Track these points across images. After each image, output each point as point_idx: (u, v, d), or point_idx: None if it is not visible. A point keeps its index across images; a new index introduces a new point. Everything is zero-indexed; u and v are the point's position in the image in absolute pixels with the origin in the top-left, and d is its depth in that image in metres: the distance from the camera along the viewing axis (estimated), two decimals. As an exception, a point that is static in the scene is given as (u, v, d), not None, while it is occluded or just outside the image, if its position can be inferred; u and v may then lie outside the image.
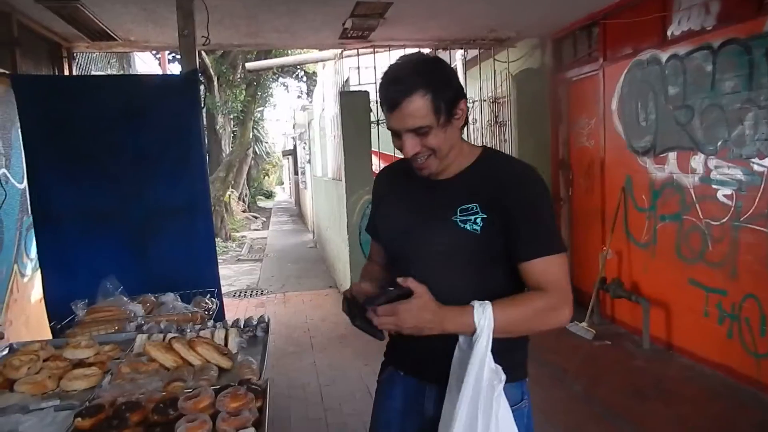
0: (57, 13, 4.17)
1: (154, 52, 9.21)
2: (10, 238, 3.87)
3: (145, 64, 8.07)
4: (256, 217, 19.30)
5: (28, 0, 3.89)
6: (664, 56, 4.31)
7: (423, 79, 1.31)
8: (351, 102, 6.01)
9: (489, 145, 6.59)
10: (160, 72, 8.96)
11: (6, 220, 3.81)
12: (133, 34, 5.01)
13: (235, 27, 4.94)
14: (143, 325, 2.25)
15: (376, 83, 6.30)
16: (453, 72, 1.42)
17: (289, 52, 10.37)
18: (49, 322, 2.70)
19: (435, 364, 1.39)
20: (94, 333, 2.18)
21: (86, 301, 2.42)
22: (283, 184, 39.23)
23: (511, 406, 1.34)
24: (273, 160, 31.66)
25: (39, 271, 3.26)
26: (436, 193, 1.45)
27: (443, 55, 6.79)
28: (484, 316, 1.28)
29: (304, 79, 20.54)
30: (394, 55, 6.53)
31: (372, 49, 6.08)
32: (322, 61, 8.64)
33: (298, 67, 17.09)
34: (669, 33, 4.30)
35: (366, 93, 6.01)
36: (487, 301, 1.30)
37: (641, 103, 4.60)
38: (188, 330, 2.12)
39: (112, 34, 4.85)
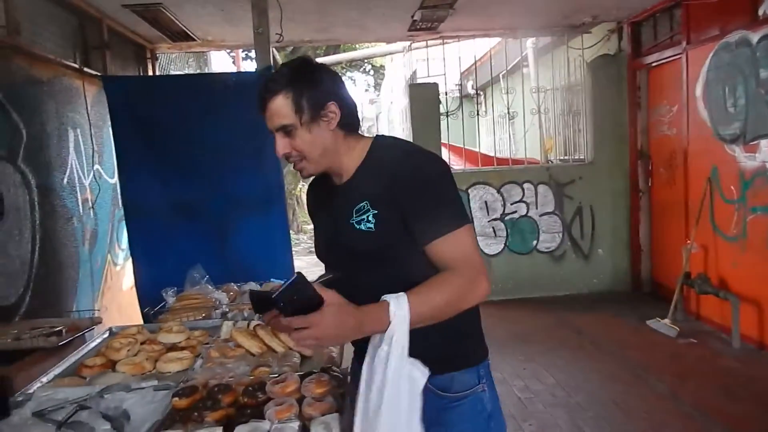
0: (141, 15, 4.40)
1: (228, 51, 9.54)
2: (104, 230, 4.13)
3: (220, 63, 8.37)
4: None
5: (116, 5, 4.14)
6: (754, 37, 4.02)
7: (287, 80, 1.34)
8: (420, 94, 5.98)
9: (562, 136, 6.49)
10: (235, 70, 9.27)
11: (100, 213, 4.07)
12: (210, 33, 5.22)
13: (306, 23, 5.04)
14: (228, 312, 2.35)
15: (445, 74, 6.27)
16: (326, 75, 1.39)
17: (357, 46, 10.49)
18: (141, 309, 2.87)
19: None
20: (183, 319, 2.29)
21: (175, 288, 2.55)
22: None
23: (464, 391, 1.37)
24: (341, 154, 32.10)
25: (130, 260, 3.46)
26: (338, 198, 1.43)
27: (513, 44, 6.66)
28: (399, 308, 1.21)
29: (371, 72, 20.68)
30: (463, 46, 6.45)
31: (441, 40, 6.04)
32: (390, 54, 8.67)
33: (366, 61, 17.23)
34: (760, 12, 4.01)
35: (435, 85, 5.96)
36: (401, 293, 1.23)
37: (729, 88, 4.32)
38: (270, 318, 2.18)
39: (191, 34, 5.08)
